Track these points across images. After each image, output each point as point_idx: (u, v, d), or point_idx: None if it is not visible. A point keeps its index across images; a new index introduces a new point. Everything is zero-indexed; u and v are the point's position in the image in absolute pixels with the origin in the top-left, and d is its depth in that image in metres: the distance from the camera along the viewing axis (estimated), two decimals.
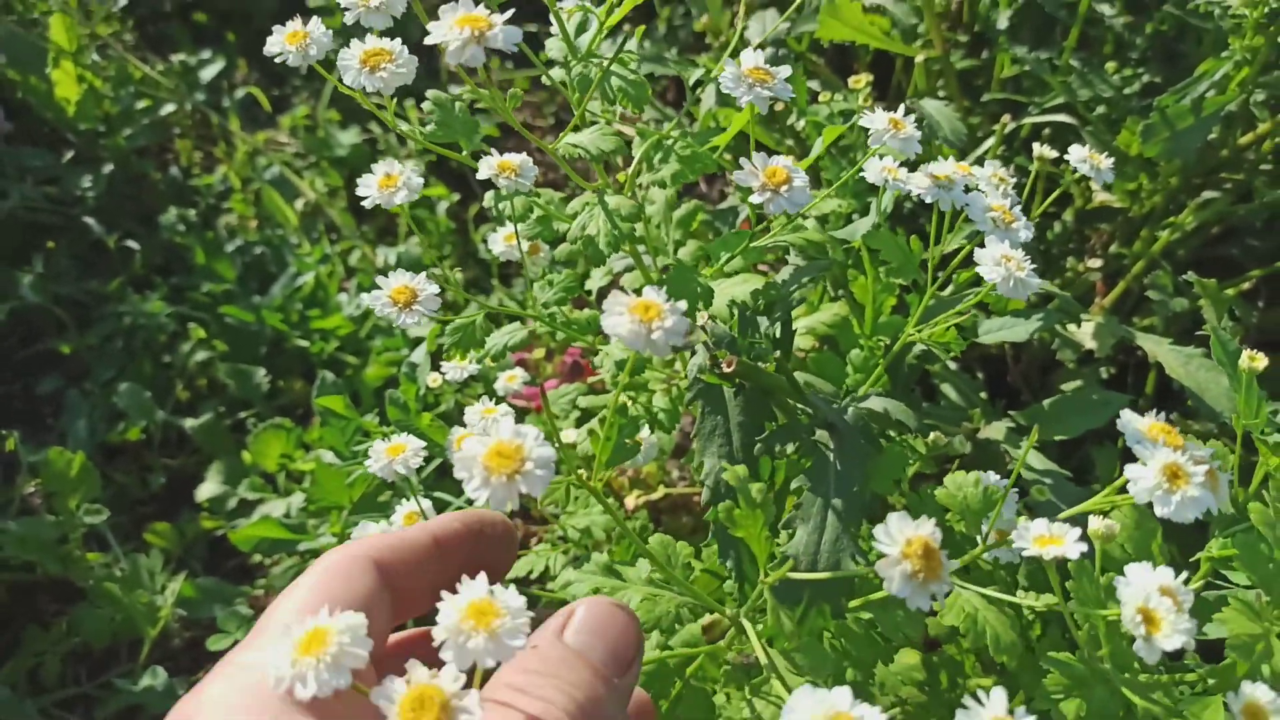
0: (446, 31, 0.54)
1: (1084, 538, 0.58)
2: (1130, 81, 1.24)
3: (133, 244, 1.69)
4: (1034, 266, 0.58)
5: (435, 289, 0.67)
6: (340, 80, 0.62)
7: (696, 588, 0.64)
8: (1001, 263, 0.58)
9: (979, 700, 0.41)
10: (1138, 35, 1.30)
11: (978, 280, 0.66)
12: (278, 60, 0.63)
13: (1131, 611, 0.49)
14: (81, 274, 1.67)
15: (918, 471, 1.08)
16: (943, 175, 0.63)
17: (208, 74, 1.95)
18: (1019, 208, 0.64)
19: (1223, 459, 0.74)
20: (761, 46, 0.66)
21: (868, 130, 0.62)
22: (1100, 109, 1.22)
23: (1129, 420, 0.52)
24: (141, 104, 1.86)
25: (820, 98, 1.00)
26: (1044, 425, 0.98)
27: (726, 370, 0.60)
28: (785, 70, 0.59)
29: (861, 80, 1.01)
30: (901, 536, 0.45)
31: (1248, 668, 0.55)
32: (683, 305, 0.45)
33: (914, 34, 1.24)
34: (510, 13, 0.55)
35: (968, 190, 0.66)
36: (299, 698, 0.36)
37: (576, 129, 0.68)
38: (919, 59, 1.18)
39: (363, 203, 0.69)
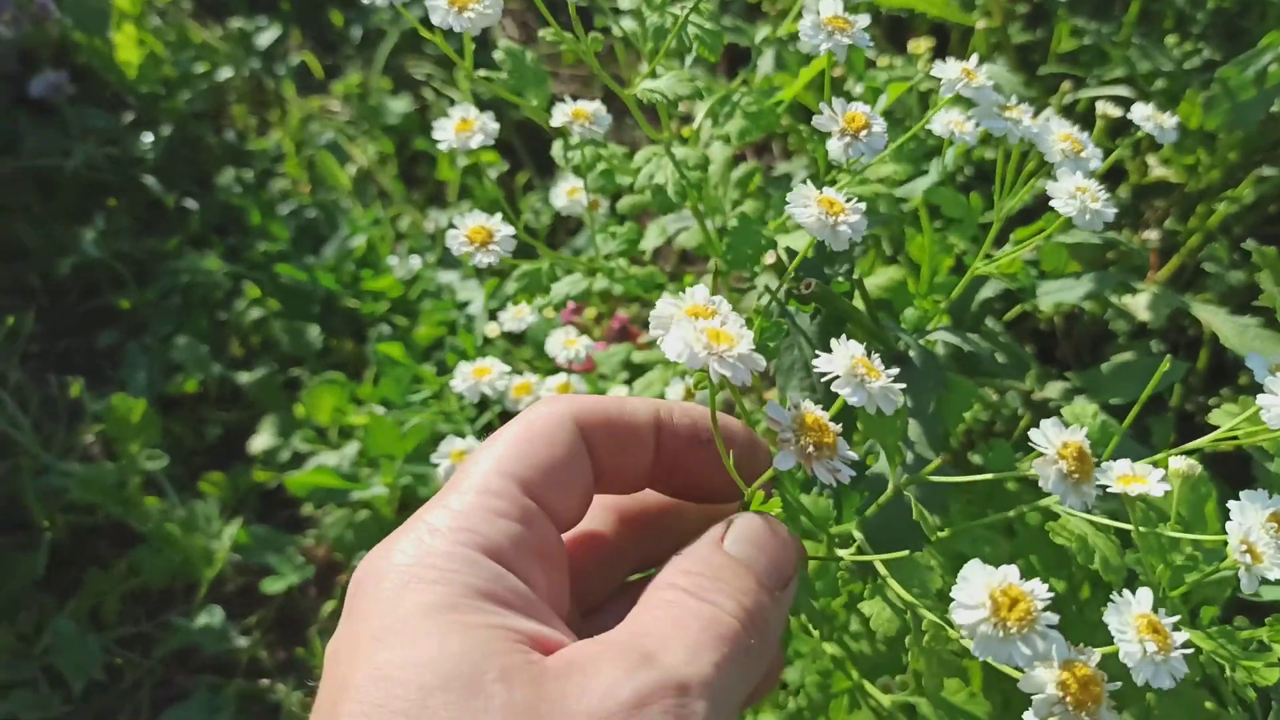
0: None
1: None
2: (1190, 56, 1.23)
3: (191, 204, 1.72)
4: (1107, 196, 0.59)
5: (510, 230, 0.69)
6: (421, 22, 0.64)
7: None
8: (1076, 195, 0.58)
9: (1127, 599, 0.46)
10: (1199, 9, 1.29)
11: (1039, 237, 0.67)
12: None
13: (1236, 541, 0.50)
14: (141, 232, 1.71)
15: (967, 429, 1.09)
16: (1012, 109, 0.64)
17: (264, 40, 1.98)
18: (1092, 149, 0.64)
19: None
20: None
21: (939, 80, 0.62)
22: (1160, 83, 1.21)
23: (1256, 360, 0.57)
24: (199, 68, 1.90)
25: (879, 62, 1.01)
26: (1101, 388, 0.98)
27: (806, 292, 0.61)
28: (864, 19, 0.60)
29: (922, 45, 1.01)
30: (1058, 440, 0.47)
31: None
32: (863, 205, 0.50)
33: (972, 4, 1.24)
34: None
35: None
36: (718, 374, 0.39)
37: (653, 76, 0.69)
38: (978, 27, 1.18)
39: (438, 145, 0.71)
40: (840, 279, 0.74)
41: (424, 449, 1.10)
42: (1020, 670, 0.43)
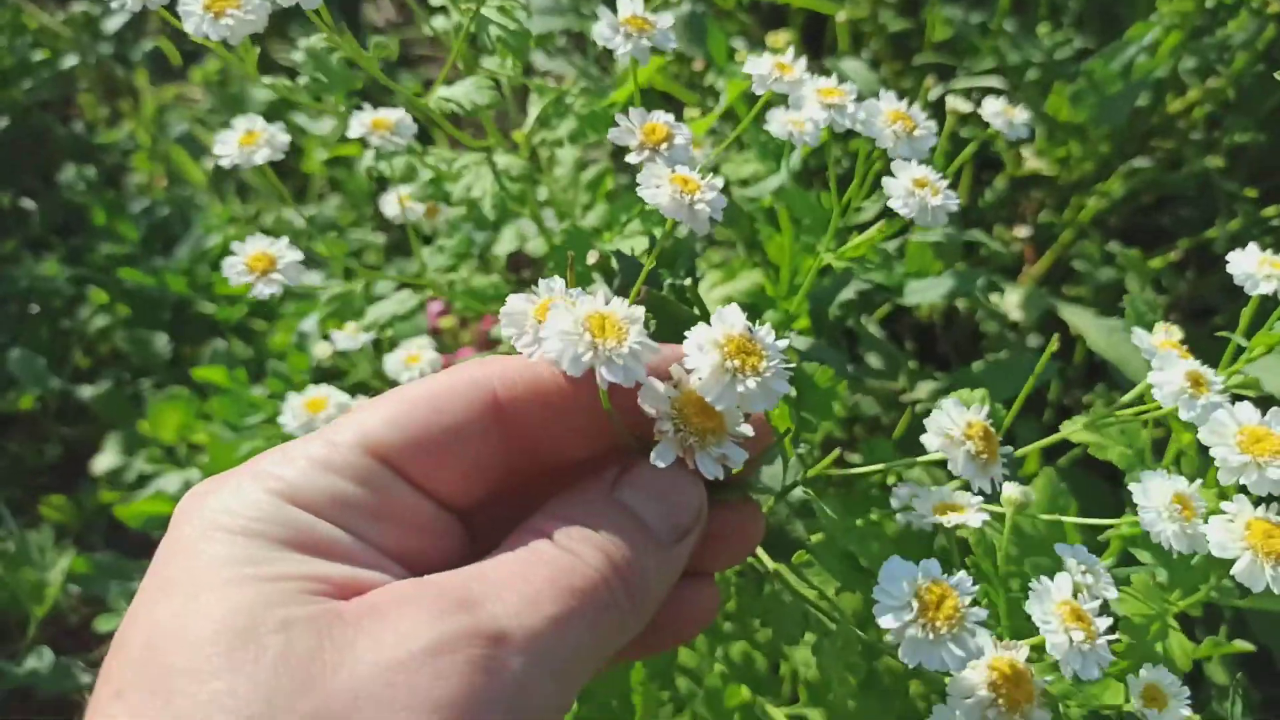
0: None
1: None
2: (1062, 46, 1.21)
3: (28, 203, 1.60)
4: (947, 184, 0.54)
5: (298, 255, 0.62)
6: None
7: None
8: (914, 191, 0.54)
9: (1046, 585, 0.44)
10: None
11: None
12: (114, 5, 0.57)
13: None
14: None
15: (826, 436, 1.06)
16: (832, 92, 0.58)
17: (112, 24, 1.85)
18: (925, 124, 0.59)
19: (1134, 435, 0.72)
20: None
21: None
22: (1031, 74, 1.19)
23: (1141, 336, 0.56)
24: (40, 55, 1.76)
25: (737, 56, 0.96)
26: (971, 388, 0.95)
27: (639, 300, 0.55)
28: (666, 19, 0.54)
29: (781, 38, 0.96)
30: (962, 420, 0.45)
31: (1142, 650, 0.53)
32: (720, 182, 0.45)
33: None
34: None
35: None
36: (605, 379, 0.35)
37: (448, 82, 0.62)
38: (840, 18, 1.13)
39: (220, 162, 0.64)
40: (675, 284, 0.69)
41: None
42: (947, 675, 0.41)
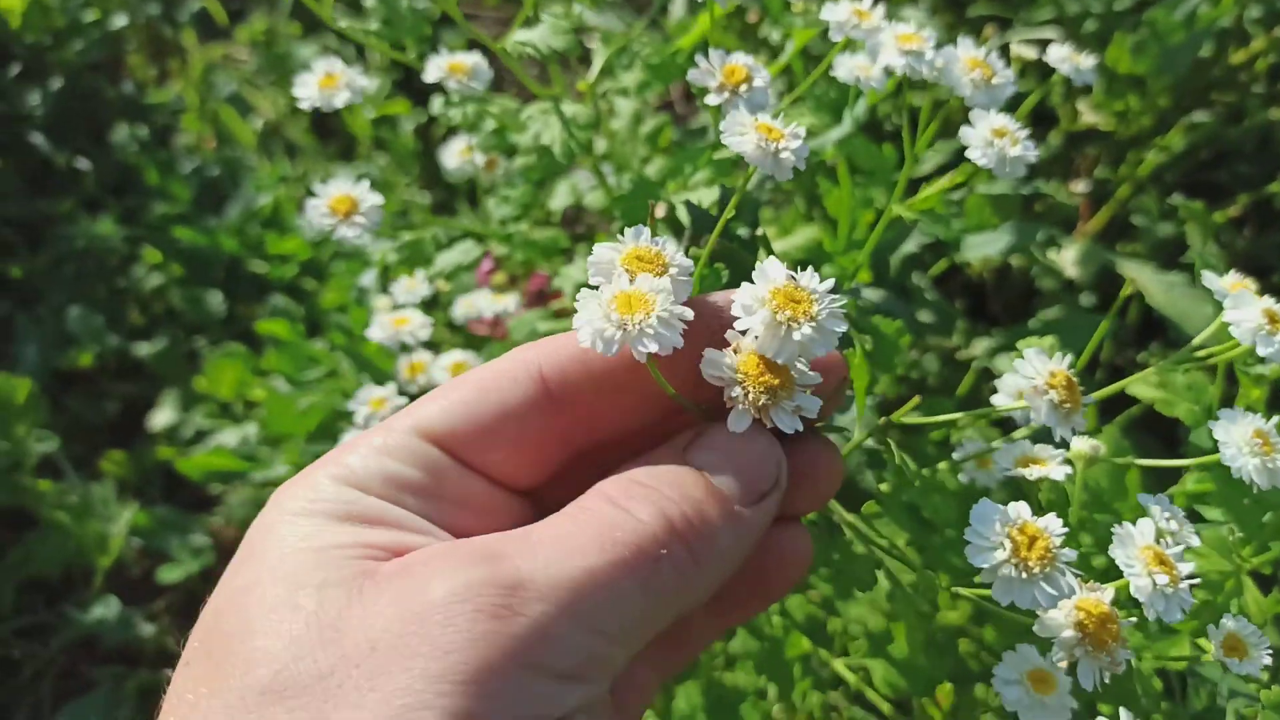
0: None
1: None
2: None
3: (83, 163, 1.62)
4: (1027, 135, 0.54)
5: (379, 198, 0.63)
6: None
7: None
8: (992, 141, 0.53)
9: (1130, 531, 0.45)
10: None
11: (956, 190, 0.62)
12: None
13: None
14: (31, 194, 1.61)
15: (881, 395, 1.06)
16: (910, 38, 0.58)
17: None
18: (1004, 72, 0.59)
19: (1200, 390, 0.71)
20: None
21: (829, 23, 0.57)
22: (1090, 24, 1.17)
23: (1211, 279, 0.54)
24: (91, 16, 1.77)
25: (794, 6, 0.95)
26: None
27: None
28: None
29: None
30: (1045, 369, 0.45)
31: (1220, 604, 0.53)
32: (803, 130, 0.45)
33: None
34: None
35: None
36: (643, 352, 0.35)
37: (527, 24, 0.62)
38: None
39: (300, 104, 0.64)
40: (747, 235, 0.69)
41: (326, 426, 1.04)
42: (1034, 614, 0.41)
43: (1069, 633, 0.42)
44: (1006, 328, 1.01)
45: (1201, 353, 0.64)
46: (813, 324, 0.36)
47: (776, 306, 0.36)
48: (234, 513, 1.21)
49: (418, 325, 0.81)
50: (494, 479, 0.38)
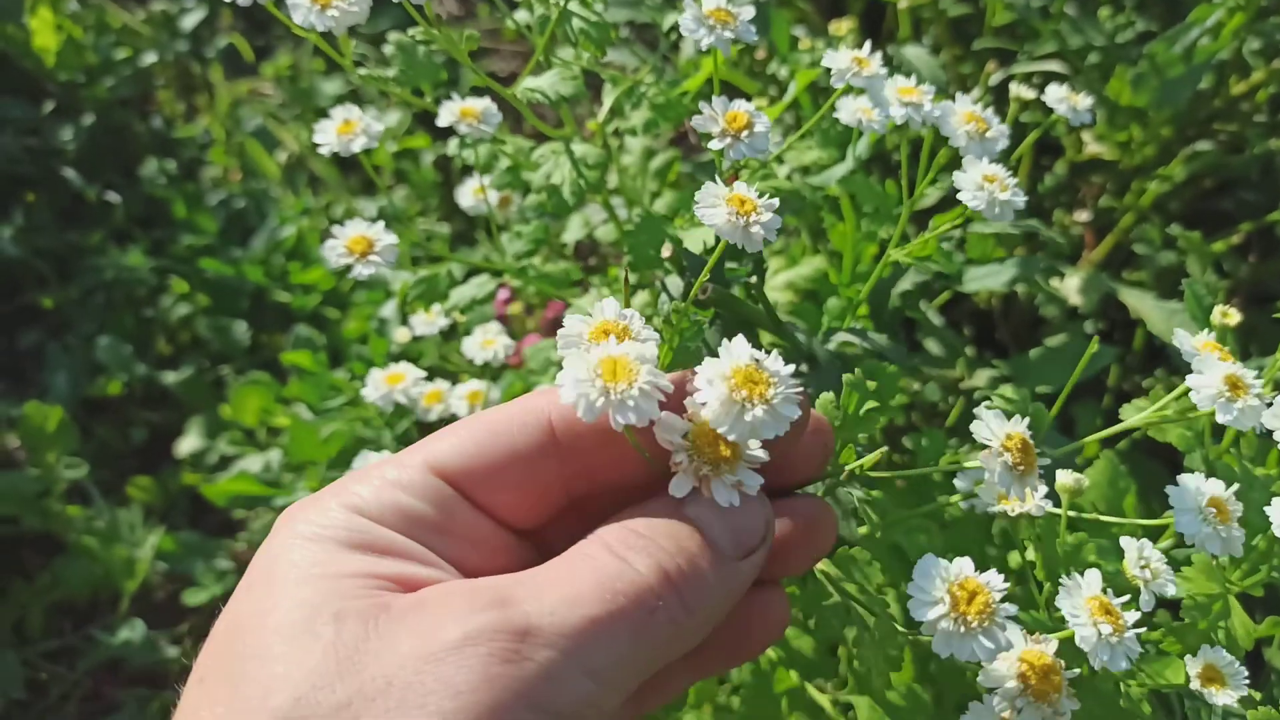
0: None
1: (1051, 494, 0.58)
2: (1124, 29, 1.21)
3: (113, 196, 1.67)
4: (1016, 182, 0.56)
5: (393, 238, 0.66)
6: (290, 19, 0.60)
7: None
8: (983, 186, 0.56)
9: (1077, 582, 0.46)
10: None
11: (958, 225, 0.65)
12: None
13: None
14: (62, 227, 1.66)
15: (888, 422, 1.07)
16: (909, 91, 0.61)
17: (189, 22, 1.91)
18: (998, 127, 0.61)
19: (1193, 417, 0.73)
20: None
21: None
22: (1093, 57, 1.19)
23: (1183, 338, 0.56)
24: (122, 54, 1.83)
25: (800, 44, 0.98)
26: (1028, 376, 0.97)
27: (703, 298, 0.58)
28: (749, 11, 0.56)
29: (844, 26, 0.98)
30: (1001, 431, 0.46)
31: (1205, 628, 0.55)
32: (775, 203, 0.47)
33: None
34: None
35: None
36: (620, 422, 0.36)
37: (537, 69, 0.65)
38: (901, 4, 1.14)
39: (318, 149, 0.68)
40: (742, 279, 0.71)
41: (348, 454, 1.07)
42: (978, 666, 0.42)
43: (1011, 683, 0.43)
44: (1010, 358, 1.03)
45: (1178, 403, 0.65)
46: (766, 407, 0.38)
47: (734, 385, 0.38)
48: (257, 537, 1.24)
49: (410, 382, 0.83)
50: (497, 517, 0.40)
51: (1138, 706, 0.56)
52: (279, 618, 0.34)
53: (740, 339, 0.40)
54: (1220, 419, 0.52)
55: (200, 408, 1.41)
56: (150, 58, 1.86)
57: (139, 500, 1.35)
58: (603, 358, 0.38)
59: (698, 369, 0.39)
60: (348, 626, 0.33)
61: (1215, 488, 0.52)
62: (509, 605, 0.33)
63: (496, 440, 0.39)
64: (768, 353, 0.39)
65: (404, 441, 1.07)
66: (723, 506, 0.38)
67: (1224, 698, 0.50)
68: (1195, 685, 0.51)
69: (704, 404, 0.38)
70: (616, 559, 0.36)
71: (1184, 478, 0.53)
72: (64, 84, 1.79)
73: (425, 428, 1.05)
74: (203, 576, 1.16)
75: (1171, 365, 1.14)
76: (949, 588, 0.42)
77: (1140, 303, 0.95)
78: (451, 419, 0.85)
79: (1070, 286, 1.07)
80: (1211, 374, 0.53)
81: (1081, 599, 0.46)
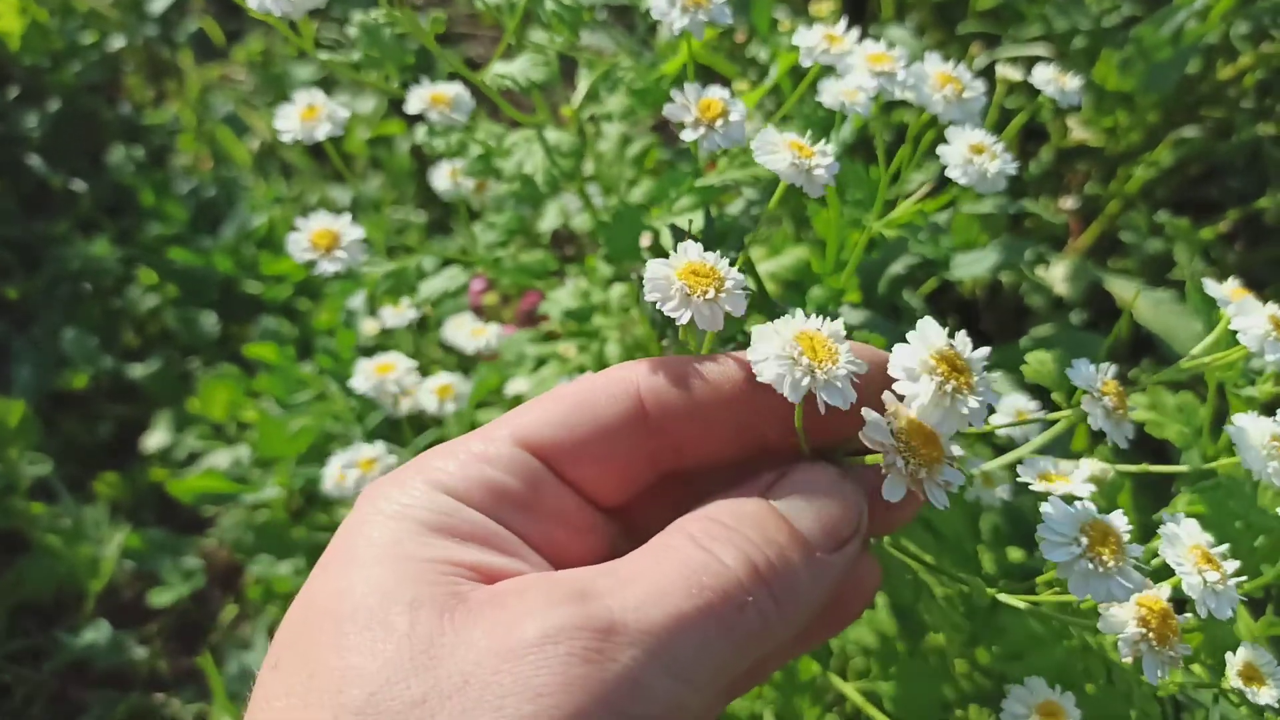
0: None
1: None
2: (1110, 13, 1.19)
3: (79, 184, 1.63)
4: (1004, 148, 0.54)
5: (360, 232, 0.63)
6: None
7: None
8: (971, 158, 0.54)
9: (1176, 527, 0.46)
10: None
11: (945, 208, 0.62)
12: None
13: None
14: (27, 216, 1.61)
15: None
16: (880, 58, 0.58)
17: (158, 6, 1.87)
18: (974, 84, 0.59)
19: (1191, 411, 0.71)
20: None
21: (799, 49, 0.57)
22: (1078, 41, 1.17)
23: (1213, 286, 0.54)
24: (89, 38, 1.78)
25: (780, 25, 0.95)
26: (1018, 364, 0.95)
27: None
28: None
29: (825, 7, 0.95)
30: (1098, 379, 0.46)
31: (1210, 629, 0.53)
32: (832, 148, 0.46)
33: None
34: None
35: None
36: (825, 405, 0.34)
37: (508, 55, 0.63)
38: None
39: (281, 137, 0.65)
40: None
41: (318, 449, 1.04)
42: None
43: (1133, 628, 0.43)
44: (997, 347, 1.01)
45: (1186, 364, 0.63)
46: (978, 398, 0.35)
47: (943, 376, 0.35)
48: (226, 534, 1.21)
49: (403, 372, 0.80)
50: (584, 492, 0.38)
51: (1149, 705, 0.55)
52: (354, 601, 0.32)
53: (930, 320, 0.37)
54: (1269, 357, 0.50)
55: (168, 402, 1.38)
56: (118, 42, 1.82)
57: (105, 497, 1.32)
58: (798, 333, 0.36)
59: (890, 352, 0.36)
60: (423, 617, 0.31)
61: (1277, 425, 0.51)
62: (590, 599, 0.31)
63: (584, 412, 0.37)
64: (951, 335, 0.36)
65: (373, 436, 1.04)
66: (818, 493, 0.36)
67: (1266, 696, 0.48)
68: (1236, 684, 0.50)
69: (907, 397, 0.36)
70: (701, 550, 0.33)
71: (1240, 417, 0.52)
72: (29, 69, 1.74)
73: (394, 423, 1.03)
74: (169, 575, 1.13)
75: (1157, 356, 1.12)
76: (1083, 527, 0.40)
77: (1127, 291, 0.93)
78: (421, 414, 0.82)
79: (1056, 275, 1.05)
80: (1256, 315, 0.51)
81: (1185, 548, 0.45)
